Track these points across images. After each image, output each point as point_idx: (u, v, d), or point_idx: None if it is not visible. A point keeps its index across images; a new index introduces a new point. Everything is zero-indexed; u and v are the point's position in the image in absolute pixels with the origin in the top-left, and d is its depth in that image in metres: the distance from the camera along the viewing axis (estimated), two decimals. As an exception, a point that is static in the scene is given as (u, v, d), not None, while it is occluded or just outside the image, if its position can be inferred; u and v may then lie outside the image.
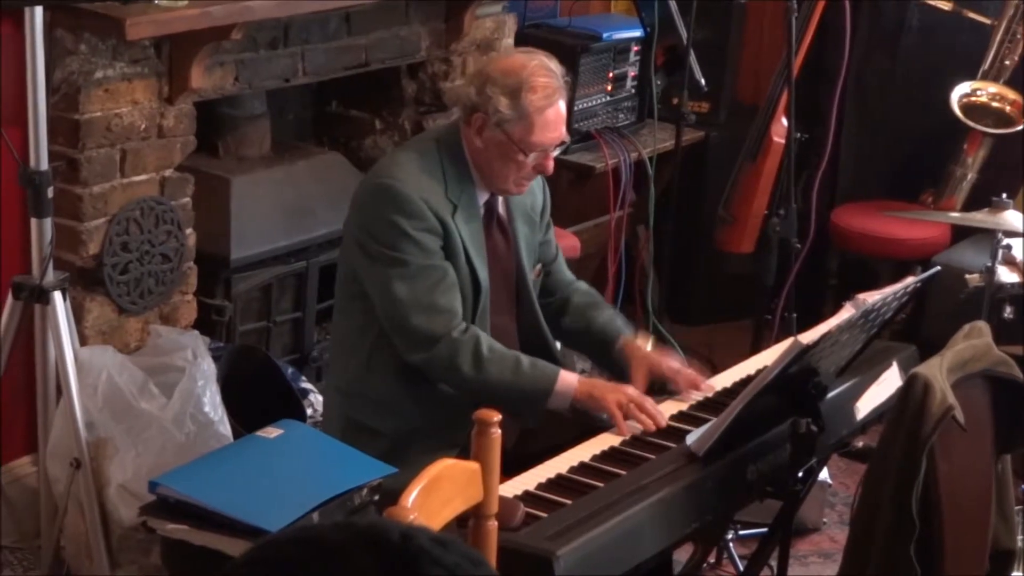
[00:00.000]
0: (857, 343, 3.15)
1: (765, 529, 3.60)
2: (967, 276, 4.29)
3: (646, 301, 5.11)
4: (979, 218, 4.33)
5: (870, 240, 5.32)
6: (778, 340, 4.02)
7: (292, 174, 4.40)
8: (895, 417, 2.83)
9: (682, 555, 3.60)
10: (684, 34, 4.87)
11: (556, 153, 3.28)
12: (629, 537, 2.66)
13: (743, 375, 3.38)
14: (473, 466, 2.34)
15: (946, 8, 5.28)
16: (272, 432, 3.26)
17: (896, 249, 5.30)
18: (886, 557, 2.82)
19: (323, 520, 2.98)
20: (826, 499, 4.40)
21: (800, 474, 2.93)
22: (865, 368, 3.32)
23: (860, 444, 4.53)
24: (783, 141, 4.96)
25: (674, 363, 3.34)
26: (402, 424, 3.26)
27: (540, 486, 2.80)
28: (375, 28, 4.43)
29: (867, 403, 3.30)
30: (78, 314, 3.70)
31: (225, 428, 3.55)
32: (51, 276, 3.42)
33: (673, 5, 4.92)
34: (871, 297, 3.16)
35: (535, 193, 3.45)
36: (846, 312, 3.23)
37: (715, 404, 3.21)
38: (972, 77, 5.29)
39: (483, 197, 3.31)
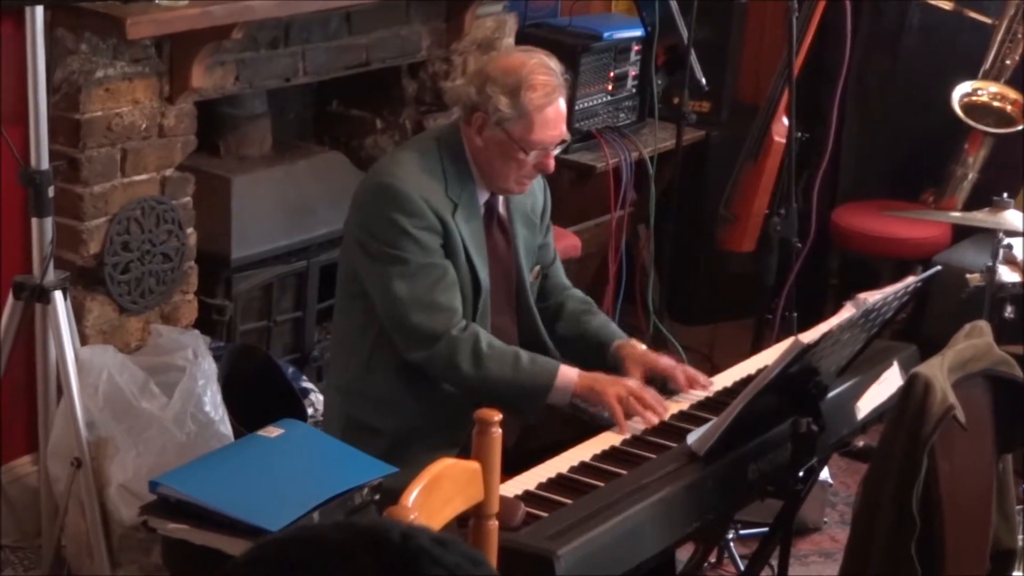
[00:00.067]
0: (858, 343, 3.15)
1: (766, 529, 3.60)
2: (968, 276, 4.28)
3: (647, 300, 5.11)
4: (980, 218, 4.33)
5: (871, 239, 5.32)
6: (779, 339, 4.02)
7: (293, 173, 4.40)
8: (896, 417, 2.83)
9: (683, 555, 3.60)
10: (685, 33, 4.87)
11: (557, 151, 3.28)
12: (630, 537, 2.66)
13: (744, 374, 3.38)
14: (474, 465, 2.34)
15: (947, 8, 5.28)
16: (273, 432, 3.27)
17: (897, 249, 5.30)
18: (887, 557, 2.82)
19: (323, 520, 2.98)
20: (827, 498, 4.40)
21: (801, 473, 2.93)
22: (866, 368, 3.32)
23: (861, 444, 4.54)
24: (784, 141, 4.96)
25: (670, 360, 3.34)
26: (403, 423, 3.26)
27: (541, 485, 2.80)
28: (376, 27, 4.43)
29: (868, 402, 3.30)
30: (79, 313, 3.70)
31: (226, 428, 3.55)
32: (52, 276, 3.42)
33: (674, 5, 4.92)
34: (872, 297, 3.16)
35: (535, 195, 3.45)
36: (847, 311, 3.23)
37: (716, 404, 3.20)
38: (973, 77, 5.29)
39: (483, 196, 3.31)
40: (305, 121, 4.91)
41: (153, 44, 3.78)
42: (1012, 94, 5.27)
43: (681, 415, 3.17)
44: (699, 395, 3.27)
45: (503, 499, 2.47)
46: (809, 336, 2.95)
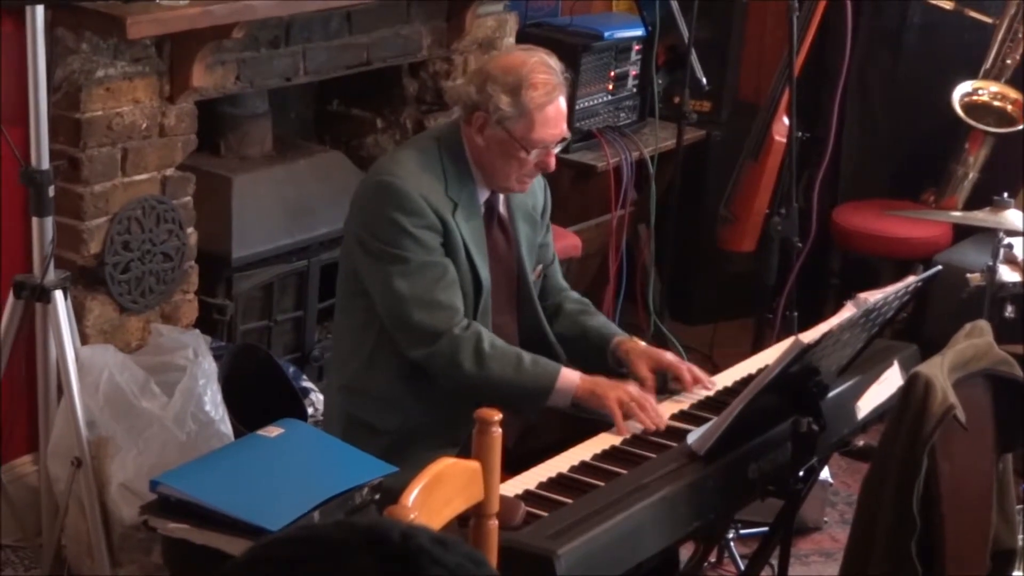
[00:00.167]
0: (858, 342, 3.15)
1: (766, 528, 3.60)
2: (968, 275, 4.29)
3: (647, 300, 5.11)
4: (980, 217, 4.33)
5: (871, 239, 5.32)
6: (779, 339, 4.02)
7: (293, 173, 4.40)
8: (896, 416, 2.83)
9: (683, 554, 3.60)
10: (685, 33, 4.87)
11: (557, 150, 3.28)
12: (630, 536, 2.66)
13: (744, 374, 3.38)
14: (474, 465, 2.34)
15: (948, 7, 5.28)
16: (273, 431, 3.27)
17: (897, 248, 5.30)
18: (887, 556, 2.82)
19: (324, 519, 2.98)
20: (827, 498, 4.40)
21: (801, 473, 2.93)
22: (866, 367, 3.32)
23: (861, 443, 4.53)
24: (784, 140, 4.97)
25: (674, 356, 3.35)
26: (403, 422, 3.26)
27: (541, 485, 2.80)
28: (377, 27, 4.43)
29: (868, 402, 3.30)
30: (79, 313, 3.70)
31: (226, 427, 3.55)
32: (52, 275, 3.42)
33: (674, 4, 4.92)
34: (872, 296, 3.16)
35: (536, 194, 3.45)
36: (847, 311, 3.23)
37: (716, 403, 3.20)
38: (973, 76, 5.29)
39: (483, 195, 3.31)
40: (306, 120, 4.91)
41: (154, 43, 3.78)
42: (1013, 94, 5.27)
43: (681, 415, 3.17)
44: (700, 394, 3.27)
45: (503, 499, 2.47)
46: (810, 336, 2.95)
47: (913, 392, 2.77)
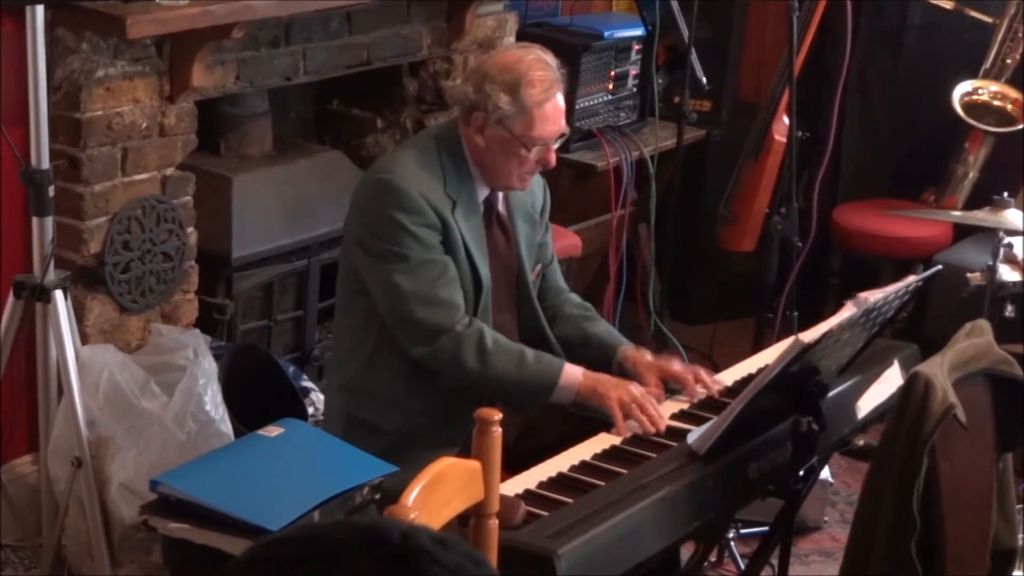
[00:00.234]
0: (858, 342, 3.15)
1: (766, 528, 3.60)
2: (968, 275, 4.29)
3: (647, 299, 5.11)
4: (980, 217, 4.33)
5: (871, 239, 5.32)
6: (779, 339, 4.02)
7: (293, 173, 4.40)
8: (896, 416, 2.83)
9: (683, 554, 3.59)
10: (685, 33, 4.87)
11: (557, 145, 3.28)
12: (630, 536, 2.66)
13: (744, 374, 3.38)
14: (474, 465, 2.34)
15: (948, 7, 5.28)
16: (273, 431, 3.27)
17: (897, 248, 5.30)
18: (887, 556, 2.82)
19: (324, 519, 2.98)
20: (827, 498, 4.40)
21: (801, 473, 2.93)
22: (866, 367, 3.32)
23: (861, 443, 4.53)
24: (785, 140, 4.96)
25: (679, 365, 3.34)
26: (403, 422, 3.26)
27: (541, 485, 2.80)
28: (377, 27, 4.43)
29: (868, 402, 3.30)
30: (79, 313, 3.70)
31: (226, 427, 3.55)
32: (52, 275, 3.42)
33: (674, 4, 4.92)
34: (872, 296, 3.16)
35: (535, 192, 3.45)
36: (847, 311, 3.23)
37: (716, 403, 3.20)
38: (974, 76, 5.29)
39: (483, 194, 3.31)
40: (306, 120, 4.91)
41: (154, 43, 3.78)
42: (1013, 93, 5.27)
43: (682, 414, 3.17)
44: (700, 394, 3.27)
45: (503, 498, 2.47)
46: (810, 335, 2.95)
47: (913, 392, 2.77)
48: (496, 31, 4.82)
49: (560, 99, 3.23)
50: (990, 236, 4.29)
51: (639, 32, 5.18)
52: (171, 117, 3.87)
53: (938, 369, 2.82)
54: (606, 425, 3.11)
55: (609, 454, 2.97)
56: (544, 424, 3.30)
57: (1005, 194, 4.28)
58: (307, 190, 4.37)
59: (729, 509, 3.22)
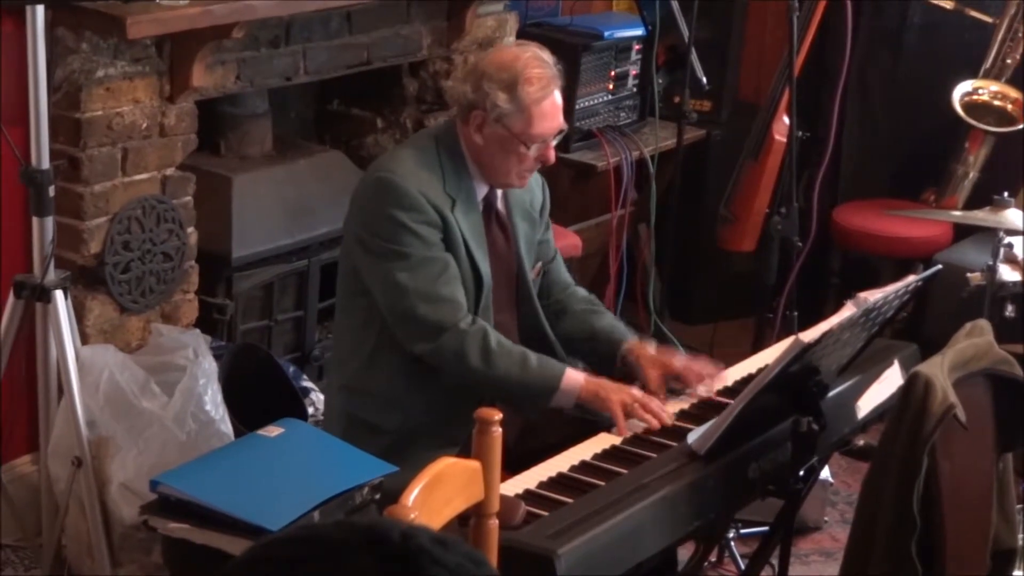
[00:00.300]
0: (858, 342, 3.15)
1: (766, 528, 3.60)
2: (968, 275, 4.29)
3: (647, 299, 5.11)
4: (980, 216, 4.33)
5: (872, 238, 5.32)
6: (779, 338, 4.02)
7: (293, 173, 4.40)
8: (896, 416, 2.83)
9: (683, 554, 3.59)
10: (686, 32, 4.87)
11: (555, 142, 3.28)
12: (630, 536, 2.66)
13: (744, 373, 3.38)
14: (474, 465, 2.34)
15: (948, 7, 5.28)
16: (273, 431, 3.27)
17: (898, 247, 5.30)
18: (887, 556, 2.82)
19: (324, 519, 2.98)
20: (827, 497, 4.40)
21: (801, 473, 2.93)
22: (866, 366, 3.32)
23: (861, 443, 4.53)
24: (785, 140, 4.96)
25: (683, 359, 3.34)
26: (403, 422, 3.26)
27: (541, 485, 2.80)
28: (377, 27, 4.43)
29: (868, 402, 3.30)
30: (79, 313, 3.70)
31: (226, 427, 3.55)
32: (52, 275, 3.42)
33: (675, 4, 4.92)
34: (872, 296, 3.16)
35: (534, 191, 3.45)
36: (847, 311, 3.23)
37: (716, 403, 3.21)
38: (974, 76, 5.29)
39: (482, 192, 3.31)
40: (306, 120, 4.91)
41: (154, 43, 3.78)
42: (1013, 93, 5.27)
43: (682, 414, 3.17)
44: (701, 393, 3.27)
45: (503, 498, 2.46)
46: (810, 335, 2.95)
47: (913, 391, 2.77)
48: (496, 31, 4.82)
49: (558, 96, 3.24)
50: (990, 236, 4.29)
51: (639, 32, 5.18)
52: (171, 117, 3.87)
53: (938, 369, 2.82)
54: (607, 427, 3.11)
55: (609, 454, 2.97)
56: (545, 424, 3.30)
57: (1005, 194, 4.28)
58: (307, 190, 4.37)
59: (729, 509, 3.22)
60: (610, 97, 5.21)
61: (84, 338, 3.71)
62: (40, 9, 3.26)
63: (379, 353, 3.27)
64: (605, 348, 3.40)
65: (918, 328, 4.95)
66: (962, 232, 5.14)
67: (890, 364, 3.40)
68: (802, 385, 2.91)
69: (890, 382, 3.32)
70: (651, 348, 3.36)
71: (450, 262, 3.19)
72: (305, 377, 4.18)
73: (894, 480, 2.80)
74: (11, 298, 3.45)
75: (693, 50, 4.83)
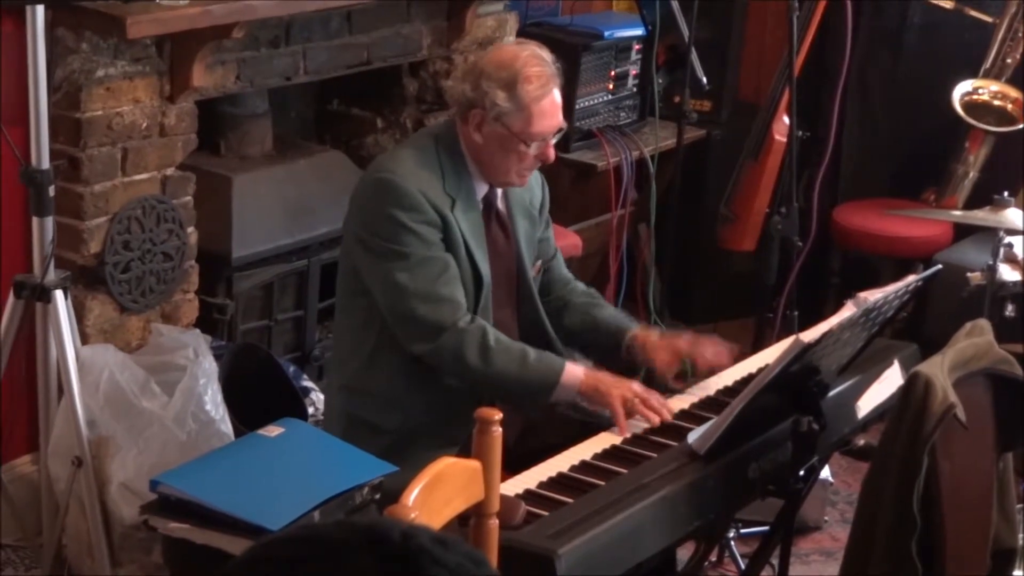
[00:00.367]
0: (859, 341, 3.15)
1: (767, 527, 3.60)
2: (969, 274, 4.29)
3: (648, 299, 5.11)
4: (981, 216, 4.33)
5: (872, 238, 5.32)
6: (780, 338, 4.02)
7: (294, 172, 4.40)
8: (897, 415, 2.83)
9: (683, 553, 3.60)
10: (686, 32, 4.87)
11: (555, 140, 3.28)
12: (630, 536, 2.66)
13: (744, 373, 3.37)
14: (474, 464, 2.34)
15: (948, 6, 5.28)
16: (273, 431, 3.27)
17: (898, 247, 5.30)
18: (888, 555, 2.82)
19: (324, 519, 2.98)
20: (827, 497, 4.40)
21: (802, 472, 2.93)
22: (867, 366, 3.32)
23: (861, 442, 4.54)
24: (785, 139, 4.97)
25: (690, 340, 3.34)
26: (403, 422, 3.26)
27: (541, 485, 2.80)
28: (377, 26, 4.43)
29: (868, 401, 3.30)
30: (79, 313, 3.70)
31: (226, 427, 3.55)
32: (52, 275, 3.42)
33: (675, 3, 4.92)
34: (872, 295, 3.16)
35: (533, 189, 3.45)
36: (848, 310, 3.23)
37: (716, 402, 3.21)
38: (974, 75, 5.29)
39: (481, 191, 3.31)
40: (306, 120, 4.91)
41: (154, 43, 3.78)
42: (1013, 93, 5.27)
43: (682, 414, 3.17)
44: (701, 393, 3.27)
45: (504, 498, 2.46)
46: (810, 335, 2.95)
47: (913, 391, 2.77)
48: (496, 31, 4.82)
49: (557, 94, 3.24)
50: (990, 236, 4.29)
51: (639, 32, 5.18)
52: (171, 117, 3.87)
53: (938, 369, 2.82)
54: (607, 426, 3.12)
55: (609, 454, 2.97)
56: (545, 424, 3.30)
57: (1005, 193, 4.28)
58: (307, 190, 4.37)
59: (729, 509, 3.22)
60: (610, 97, 5.21)
61: (84, 338, 3.71)
62: (40, 9, 3.26)
63: (379, 353, 3.27)
64: (609, 339, 3.40)
65: (918, 328, 4.95)
66: (962, 232, 5.15)
67: (890, 364, 3.40)
68: (802, 385, 2.91)
69: (890, 382, 3.32)
70: (655, 334, 3.36)
71: (450, 262, 3.19)
72: (305, 377, 4.18)
73: (894, 480, 2.80)
74: (11, 298, 3.45)
75: (693, 50, 4.83)
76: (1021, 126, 5.20)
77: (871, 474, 2.91)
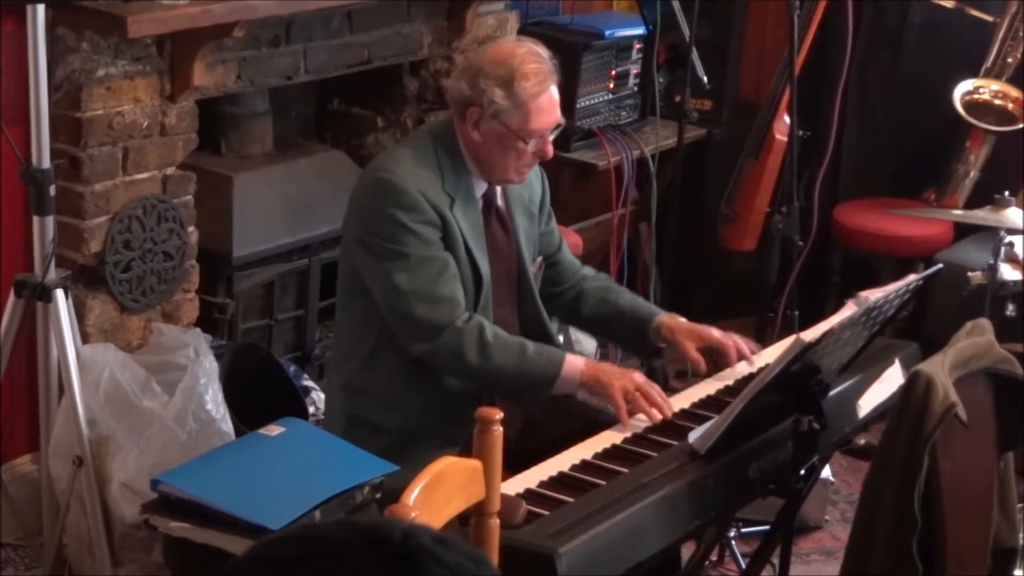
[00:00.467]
0: (859, 341, 3.15)
1: (767, 527, 3.60)
2: (969, 274, 4.29)
3: (648, 298, 5.10)
4: (981, 215, 4.33)
5: (872, 238, 5.31)
6: (780, 338, 4.02)
7: (294, 172, 4.40)
8: (897, 415, 2.83)
9: (684, 553, 3.60)
10: (686, 31, 4.87)
11: (553, 137, 3.28)
12: (631, 535, 2.66)
13: (745, 372, 3.37)
14: (475, 464, 2.34)
15: (948, 6, 5.28)
16: (274, 430, 3.27)
17: (898, 247, 5.30)
18: (888, 555, 2.82)
19: (325, 518, 2.98)
20: (828, 497, 4.40)
21: (802, 472, 2.92)
22: (867, 366, 3.32)
23: (862, 442, 4.54)
24: (785, 139, 4.97)
25: (719, 332, 3.35)
26: (404, 421, 3.26)
27: (542, 484, 2.80)
28: (377, 26, 4.43)
29: (869, 401, 3.30)
30: (80, 312, 3.70)
31: (227, 426, 3.55)
32: (53, 274, 3.42)
33: (675, 3, 4.92)
34: (873, 295, 3.16)
35: (533, 186, 3.45)
36: (848, 310, 3.23)
37: (717, 402, 3.21)
38: (974, 75, 5.29)
39: (481, 189, 3.31)
40: (307, 119, 4.91)
41: (154, 42, 3.78)
42: (1013, 92, 5.27)
43: (683, 413, 3.17)
44: (700, 393, 3.28)
45: (504, 497, 2.46)
46: (810, 334, 2.95)
47: (914, 390, 2.77)
48: (497, 30, 4.81)
49: (554, 91, 3.23)
50: (991, 235, 4.29)
51: (640, 31, 5.18)
52: (172, 116, 3.87)
53: (939, 368, 2.82)
54: (609, 421, 3.12)
55: (610, 453, 2.97)
56: (545, 422, 3.30)
57: (1006, 193, 4.28)
58: (308, 189, 4.37)
59: (730, 508, 3.22)
60: (611, 96, 5.20)
61: (85, 337, 3.71)
62: (41, 8, 3.26)
63: (379, 353, 3.27)
64: (632, 328, 3.41)
65: (919, 327, 4.95)
66: (963, 231, 5.15)
67: (891, 363, 3.40)
68: (803, 384, 2.91)
69: (891, 381, 3.32)
70: (683, 321, 3.36)
71: (449, 261, 3.19)
72: (306, 376, 4.18)
73: (895, 479, 2.80)
74: (12, 297, 3.45)
75: (694, 49, 4.83)
76: (1022, 125, 5.20)
77: (872, 473, 2.91)
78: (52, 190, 3.39)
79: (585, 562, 2.53)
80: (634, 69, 5.26)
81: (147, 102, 3.80)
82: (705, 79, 4.94)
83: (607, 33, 5.11)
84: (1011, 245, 4.21)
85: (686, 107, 4.83)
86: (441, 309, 3.15)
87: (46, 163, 3.36)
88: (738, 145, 5.31)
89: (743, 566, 3.97)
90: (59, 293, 3.40)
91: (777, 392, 2.90)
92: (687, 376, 3.41)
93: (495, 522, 2.39)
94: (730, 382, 3.34)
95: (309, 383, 4.13)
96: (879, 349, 3.39)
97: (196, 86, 3.86)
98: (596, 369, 3.17)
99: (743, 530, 4.13)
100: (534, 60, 3.21)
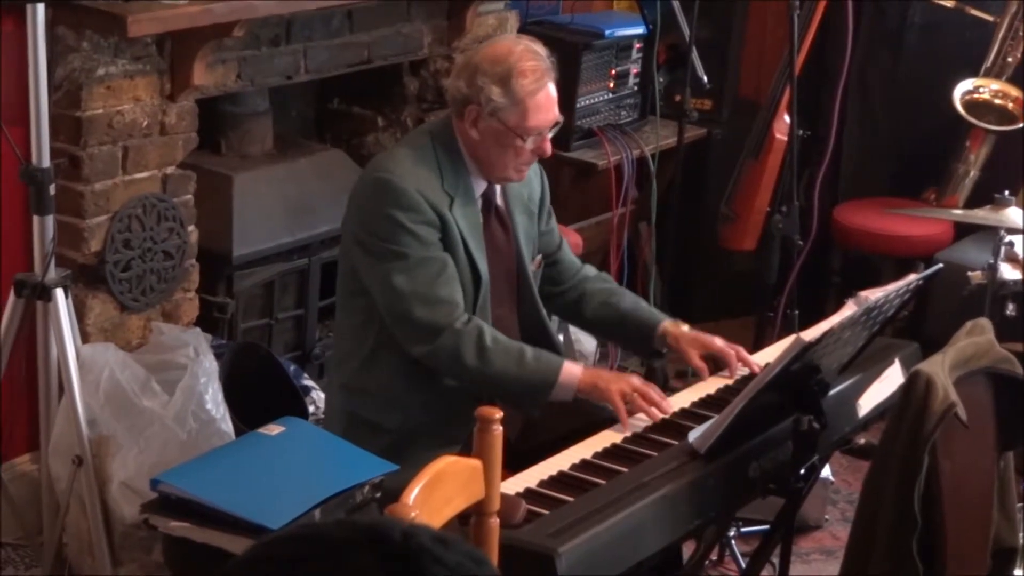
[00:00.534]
0: (859, 340, 3.15)
1: (767, 526, 3.60)
2: (969, 273, 4.29)
3: (648, 298, 5.10)
4: (981, 215, 4.33)
5: (872, 237, 5.31)
6: (780, 337, 4.02)
7: (294, 171, 4.40)
8: (897, 414, 2.83)
9: (684, 553, 3.60)
10: (686, 31, 4.86)
11: (551, 134, 3.28)
12: (631, 534, 2.66)
13: (745, 372, 3.37)
14: (475, 463, 2.34)
15: (949, 5, 5.28)
16: (274, 429, 3.27)
17: (898, 246, 5.30)
18: (888, 554, 2.82)
19: (325, 518, 2.98)
20: (828, 496, 4.40)
21: (802, 471, 2.92)
22: (867, 365, 3.32)
23: (862, 441, 4.54)
24: (785, 138, 4.96)
25: (722, 341, 3.36)
26: (404, 421, 3.26)
27: (542, 483, 2.80)
28: (377, 25, 4.43)
29: (869, 400, 3.30)
30: (80, 311, 3.70)
31: (227, 425, 3.55)
32: (53, 273, 3.42)
33: (675, 2, 4.91)
34: (873, 294, 3.16)
35: (532, 184, 3.45)
36: (848, 309, 3.23)
37: (717, 401, 3.21)
38: (974, 74, 5.28)
39: (480, 188, 3.31)
40: (307, 119, 4.91)
41: (154, 42, 3.78)
42: (1013, 92, 5.27)
43: (683, 412, 3.17)
44: (700, 392, 3.28)
45: (504, 497, 2.46)
46: (811, 334, 2.95)
47: (914, 390, 2.77)
48: (497, 29, 4.81)
49: (552, 88, 3.23)
50: (991, 234, 4.29)
51: (640, 31, 5.17)
52: (172, 116, 3.87)
53: (939, 367, 2.82)
54: (609, 421, 3.12)
55: (610, 452, 2.97)
56: (545, 422, 3.29)
57: (1006, 192, 4.28)
58: (308, 189, 4.37)
59: (730, 508, 3.22)
60: (611, 96, 5.20)
61: (85, 337, 3.71)
62: (40, 7, 3.26)
63: (379, 353, 3.27)
64: (635, 333, 3.42)
65: (919, 327, 4.95)
66: (963, 231, 5.15)
67: (891, 363, 3.40)
68: (803, 384, 2.91)
69: (891, 381, 3.32)
70: (687, 328, 3.37)
71: (448, 262, 3.19)
72: (306, 376, 4.18)
73: (895, 479, 2.80)
74: (11, 297, 3.45)
75: (694, 49, 4.82)
76: (1022, 125, 5.20)
77: (872, 473, 2.91)
78: (52, 189, 3.39)
79: (585, 561, 2.53)
80: (634, 68, 5.26)
81: (147, 101, 3.80)
82: (705, 79, 4.94)
83: (607, 33, 5.11)
84: (1011, 245, 4.21)
85: (686, 107, 4.83)
86: (440, 310, 3.15)
87: (46, 162, 3.36)
88: (738, 145, 5.31)
89: (743, 566, 3.97)
90: (59, 292, 3.40)
91: (777, 391, 2.90)
92: (687, 376, 3.40)
93: (495, 521, 2.39)
94: (730, 381, 3.34)
95: (309, 383, 4.13)
96: (879, 349, 3.39)
97: (196, 85, 3.86)
98: (593, 376, 3.17)
99: (743, 529, 4.13)
100: (531, 57, 3.21)
